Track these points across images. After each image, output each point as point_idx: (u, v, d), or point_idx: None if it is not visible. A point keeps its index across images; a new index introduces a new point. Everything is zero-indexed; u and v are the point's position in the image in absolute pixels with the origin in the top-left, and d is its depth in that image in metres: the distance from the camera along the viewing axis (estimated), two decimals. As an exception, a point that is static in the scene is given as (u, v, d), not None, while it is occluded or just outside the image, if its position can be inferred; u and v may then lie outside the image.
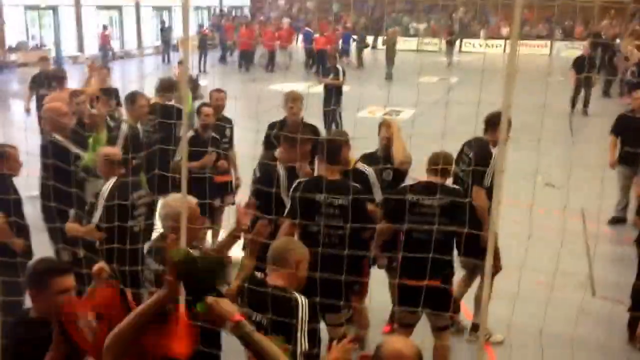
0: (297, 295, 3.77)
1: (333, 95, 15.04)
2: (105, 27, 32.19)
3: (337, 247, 5.03)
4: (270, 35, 29.87)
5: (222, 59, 31.22)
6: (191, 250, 3.70)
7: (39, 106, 10.45)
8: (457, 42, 35.25)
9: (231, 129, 8.26)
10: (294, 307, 3.68)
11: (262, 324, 3.72)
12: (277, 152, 6.05)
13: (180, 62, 13.56)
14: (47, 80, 11.78)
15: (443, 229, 5.11)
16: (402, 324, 5.52)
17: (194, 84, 12.57)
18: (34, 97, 12.21)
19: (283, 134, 5.96)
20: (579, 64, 18.28)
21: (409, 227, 5.18)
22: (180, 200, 3.79)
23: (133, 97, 7.70)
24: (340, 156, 5.47)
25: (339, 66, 15.85)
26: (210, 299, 2.84)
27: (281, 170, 5.86)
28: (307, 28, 33.52)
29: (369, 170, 5.97)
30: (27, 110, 12.20)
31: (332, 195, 5.17)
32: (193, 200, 4.33)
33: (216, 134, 7.74)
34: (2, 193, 5.47)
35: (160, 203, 4.28)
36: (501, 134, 3.16)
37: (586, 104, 18.44)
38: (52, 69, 13.19)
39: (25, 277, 3.46)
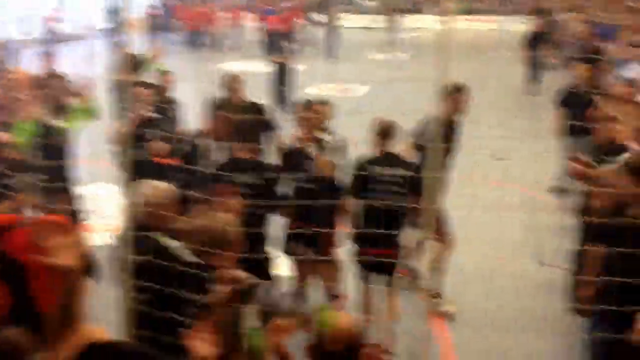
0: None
1: (284, 74, 15.06)
2: (55, 9, 31.53)
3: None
4: (219, 14, 29.54)
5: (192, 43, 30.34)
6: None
7: None
8: (405, 19, 35.39)
9: (174, 110, 8.30)
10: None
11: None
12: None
13: (118, 44, 13.46)
14: None
15: (399, 200, 5.46)
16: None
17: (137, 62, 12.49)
18: None
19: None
20: (531, 41, 18.12)
21: (371, 199, 5.50)
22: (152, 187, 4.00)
23: None
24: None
25: (289, 45, 15.93)
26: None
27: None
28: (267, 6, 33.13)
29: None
30: None
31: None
32: (170, 186, 4.40)
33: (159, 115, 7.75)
34: None
35: (131, 190, 4.30)
36: (441, 107, 3.32)
37: (538, 83, 18.01)
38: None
39: None
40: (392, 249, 5.56)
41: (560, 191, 9.87)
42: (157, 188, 4.38)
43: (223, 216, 4.08)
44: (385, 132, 5.83)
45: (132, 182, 4.05)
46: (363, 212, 5.60)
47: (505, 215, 6.77)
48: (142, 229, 4.10)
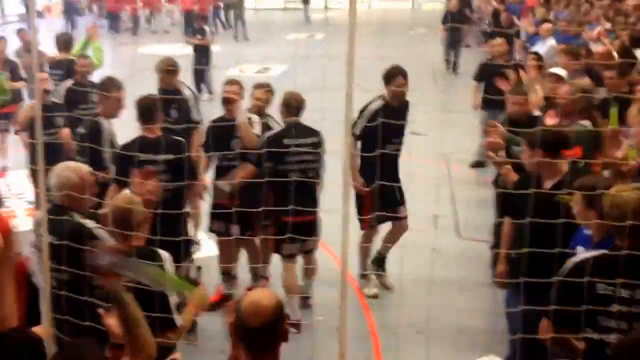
0: (161, 252, 3.90)
1: (202, 55, 14.99)
2: None
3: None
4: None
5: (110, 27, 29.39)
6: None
7: None
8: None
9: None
10: (156, 261, 3.81)
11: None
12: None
13: (19, 31, 12.96)
14: None
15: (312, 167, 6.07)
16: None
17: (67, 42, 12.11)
18: None
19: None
20: (446, 20, 18.05)
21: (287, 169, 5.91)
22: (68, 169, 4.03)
23: None
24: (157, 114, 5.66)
25: (206, 27, 15.89)
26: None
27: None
28: None
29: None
30: None
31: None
32: (85, 167, 4.39)
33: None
34: None
35: (51, 172, 4.23)
36: (347, 85, 3.34)
37: (456, 61, 18.18)
38: None
39: None
40: (310, 215, 5.95)
41: (479, 165, 10.09)
42: (72, 169, 4.36)
43: (129, 196, 4.09)
44: (289, 103, 6.11)
45: (41, 166, 3.97)
46: (280, 184, 5.73)
47: (425, 190, 6.81)
48: (59, 210, 4.11)
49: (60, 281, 4.01)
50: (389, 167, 6.46)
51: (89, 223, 4.18)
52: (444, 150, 8.65)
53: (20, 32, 12.88)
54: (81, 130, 6.36)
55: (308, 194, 6.03)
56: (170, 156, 5.40)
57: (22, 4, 32.56)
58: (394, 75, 6.55)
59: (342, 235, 3.61)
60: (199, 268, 6.51)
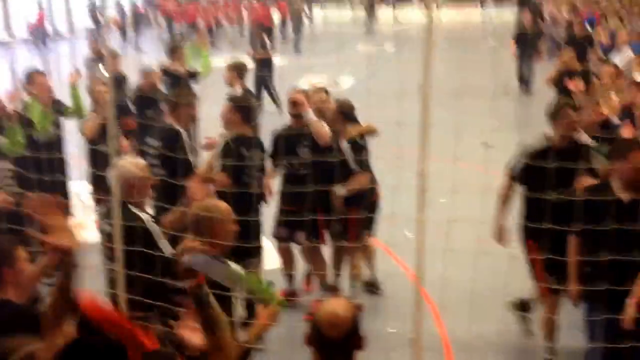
0: (229, 263, 3.81)
1: (264, 68, 14.88)
2: (40, 8, 31.51)
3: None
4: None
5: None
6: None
7: None
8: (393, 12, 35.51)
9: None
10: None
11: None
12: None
13: (91, 40, 13.53)
14: None
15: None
16: None
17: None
18: None
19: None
20: (522, 36, 16.89)
21: None
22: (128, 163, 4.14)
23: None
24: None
25: (265, 38, 15.85)
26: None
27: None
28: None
29: None
30: None
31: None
32: (143, 161, 4.58)
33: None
34: None
35: (113, 166, 4.38)
36: (424, 90, 3.33)
37: (529, 78, 16.97)
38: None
39: None
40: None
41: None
42: (132, 163, 4.56)
43: (211, 203, 4.09)
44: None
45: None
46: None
47: (491, 201, 6.72)
48: (124, 203, 4.16)
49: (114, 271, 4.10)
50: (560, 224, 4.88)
51: (144, 216, 4.33)
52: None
53: (92, 42, 13.35)
54: (155, 141, 6.39)
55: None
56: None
57: (90, 18, 33.73)
58: (561, 110, 5.62)
59: (416, 242, 3.57)
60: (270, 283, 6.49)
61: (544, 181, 4.71)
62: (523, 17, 17.97)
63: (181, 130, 6.08)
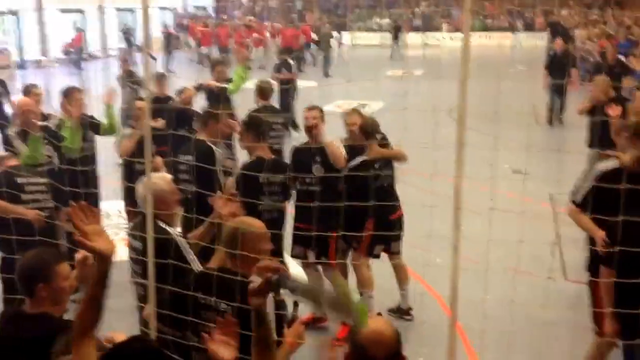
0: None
1: (288, 90, 14.83)
2: (79, 30, 32.19)
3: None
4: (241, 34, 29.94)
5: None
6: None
7: None
8: (419, 36, 35.59)
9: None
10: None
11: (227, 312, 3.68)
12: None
13: (123, 59, 13.72)
14: None
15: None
16: None
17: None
18: None
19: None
20: (554, 64, 15.92)
21: None
22: (155, 178, 4.11)
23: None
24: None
25: (290, 61, 15.82)
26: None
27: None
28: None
29: None
30: None
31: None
32: (169, 176, 4.59)
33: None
34: None
35: (140, 183, 4.39)
36: (459, 111, 3.32)
37: (562, 109, 16.07)
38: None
39: (27, 273, 3.40)
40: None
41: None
42: (159, 177, 4.55)
43: (244, 219, 4.05)
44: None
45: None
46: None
47: (529, 230, 6.63)
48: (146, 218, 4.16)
49: (144, 287, 4.12)
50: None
51: (172, 230, 4.31)
52: (544, 190, 8.44)
53: (123, 63, 13.53)
54: (187, 156, 6.33)
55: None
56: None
57: (123, 39, 34.31)
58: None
59: (451, 263, 3.50)
60: (296, 304, 6.45)
61: (615, 204, 4.26)
62: (554, 44, 17.25)
63: (213, 146, 6.08)
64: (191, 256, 4.26)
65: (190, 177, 5.78)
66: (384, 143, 6.52)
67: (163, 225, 4.31)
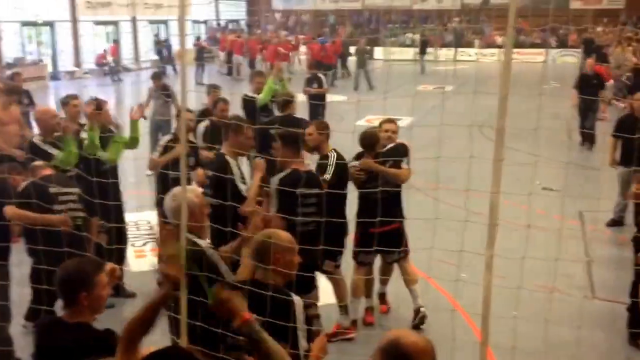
0: (293, 296, 3.74)
1: (317, 104, 14.71)
2: (115, 42, 32.72)
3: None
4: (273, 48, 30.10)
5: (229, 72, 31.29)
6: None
7: None
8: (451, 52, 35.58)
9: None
10: (290, 309, 3.64)
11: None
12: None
13: (154, 75, 13.78)
14: (18, 96, 11.77)
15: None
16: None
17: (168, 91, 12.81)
18: None
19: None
20: (584, 84, 15.12)
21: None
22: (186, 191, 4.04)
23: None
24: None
25: (320, 75, 15.79)
26: (223, 293, 2.79)
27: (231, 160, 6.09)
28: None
29: None
30: None
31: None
32: (199, 189, 4.51)
33: None
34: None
35: (169, 196, 4.41)
36: (497, 127, 3.28)
37: (592, 131, 15.33)
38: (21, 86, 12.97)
39: (71, 282, 3.44)
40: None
41: (616, 224, 9.61)
42: (190, 191, 4.48)
43: (271, 231, 4.03)
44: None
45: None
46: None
47: (555, 246, 6.52)
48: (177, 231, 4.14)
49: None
50: None
51: (203, 244, 4.29)
52: (576, 207, 8.33)
53: (155, 76, 13.61)
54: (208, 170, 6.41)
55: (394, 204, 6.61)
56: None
57: (155, 52, 34.73)
58: None
59: (484, 279, 3.43)
60: (318, 316, 6.41)
61: None
62: (586, 63, 16.24)
63: (230, 159, 6.04)
64: (224, 268, 4.26)
65: (210, 190, 5.77)
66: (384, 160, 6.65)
67: (192, 237, 4.31)
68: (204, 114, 9.07)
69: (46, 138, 6.88)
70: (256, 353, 2.93)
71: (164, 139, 8.08)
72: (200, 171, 7.15)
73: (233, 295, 2.81)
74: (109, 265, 3.63)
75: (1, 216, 5.73)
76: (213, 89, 10.20)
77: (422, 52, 31.83)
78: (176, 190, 4.42)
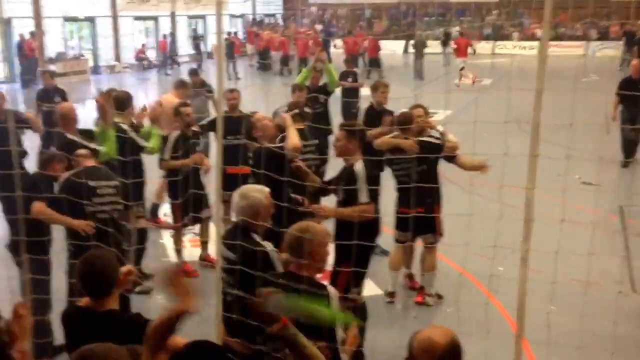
0: (328, 288, 3.78)
1: (350, 98, 14.63)
2: (165, 36, 33.20)
3: None
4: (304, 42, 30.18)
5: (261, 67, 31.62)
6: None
7: (45, 121, 10.84)
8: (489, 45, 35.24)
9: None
10: (327, 301, 3.66)
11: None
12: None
13: (192, 72, 13.76)
14: (50, 95, 12.01)
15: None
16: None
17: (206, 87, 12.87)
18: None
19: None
20: (628, 90, 12.44)
21: None
22: (255, 190, 4.24)
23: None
24: None
25: (356, 69, 15.78)
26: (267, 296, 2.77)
27: None
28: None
29: None
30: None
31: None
32: (266, 189, 4.57)
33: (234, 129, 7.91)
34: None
35: (237, 193, 4.47)
36: (533, 122, 3.27)
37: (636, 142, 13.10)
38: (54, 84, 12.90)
39: (109, 272, 3.51)
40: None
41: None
42: (259, 190, 4.56)
43: (307, 224, 4.04)
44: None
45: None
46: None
47: (597, 242, 6.50)
48: (240, 230, 4.31)
49: (233, 296, 4.20)
50: None
51: (268, 246, 4.32)
52: (614, 202, 8.23)
53: (192, 72, 13.66)
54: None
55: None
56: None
57: (192, 46, 35.03)
58: None
59: (519, 273, 3.44)
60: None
61: None
62: (631, 66, 13.73)
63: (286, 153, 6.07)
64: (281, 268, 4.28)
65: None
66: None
67: (256, 237, 4.37)
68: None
69: (71, 133, 6.97)
70: (294, 356, 2.93)
71: (173, 136, 7.97)
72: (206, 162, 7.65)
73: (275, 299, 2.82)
74: (126, 268, 3.68)
75: None
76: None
77: (445, 44, 31.76)
78: (245, 189, 4.51)
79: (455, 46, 26.66)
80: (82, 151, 6.13)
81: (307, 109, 9.08)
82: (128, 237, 5.92)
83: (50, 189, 5.94)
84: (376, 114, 9.00)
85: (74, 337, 3.48)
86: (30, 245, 5.64)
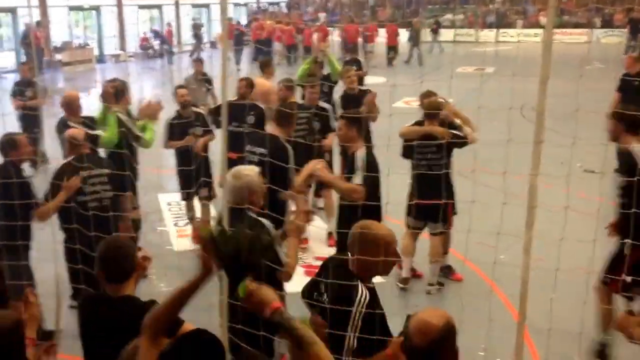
0: (360, 286, 3.69)
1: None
2: (169, 25, 33.14)
3: None
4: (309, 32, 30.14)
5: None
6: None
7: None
8: (493, 33, 35.13)
9: (258, 113, 8.37)
10: (353, 298, 3.63)
11: (321, 301, 3.78)
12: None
13: (196, 60, 13.93)
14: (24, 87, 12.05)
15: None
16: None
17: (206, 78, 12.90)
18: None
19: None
20: (627, 89, 11.96)
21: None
22: (245, 170, 4.37)
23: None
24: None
25: (360, 58, 15.80)
26: (251, 285, 2.72)
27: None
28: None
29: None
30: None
31: None
32: (256, 168, 4.67)
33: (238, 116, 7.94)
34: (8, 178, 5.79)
35: (230, 175, 4.45)
36: (537, 109, 3.33)
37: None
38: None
39: (126, 258, 3.54)
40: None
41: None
42: (250, 170, 4.64)
43: (377, 224, 3.99)
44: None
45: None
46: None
47: (596, 228, 6.51)
48: (237, 210, 4.32)
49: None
50: None
51: (266, 221, 4.38)
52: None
53: (196, 61, 13.68)
54: (261, 149, 6.31)
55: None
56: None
57: (193, 36, 34.96)
58: None
59: (522, 261, 3.47)
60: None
61: None
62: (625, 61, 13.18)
63: (289, 147, 6.07)
64: (282, 254, 4.29)
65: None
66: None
67: (255, 216, 4.44)
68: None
69: (74, 119, 7.22)
70: (290, 341, 2.85)
71: (168, 117, 8.48)
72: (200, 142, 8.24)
73: (262, 287, 2.73)
74: (143, 252, 3.73)
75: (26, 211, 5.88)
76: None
77: (434, 32, 32.16)
78: (237, 170, 4.54)
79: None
80: (73, 131, 6.20)
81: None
82: (115, 227, 5.84)
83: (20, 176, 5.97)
84: (351, 98, 9.17)
85: (89, 324, 3.53)
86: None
